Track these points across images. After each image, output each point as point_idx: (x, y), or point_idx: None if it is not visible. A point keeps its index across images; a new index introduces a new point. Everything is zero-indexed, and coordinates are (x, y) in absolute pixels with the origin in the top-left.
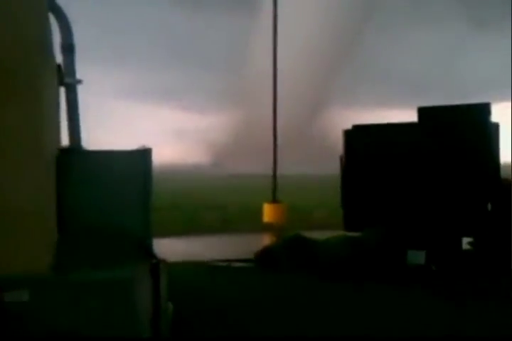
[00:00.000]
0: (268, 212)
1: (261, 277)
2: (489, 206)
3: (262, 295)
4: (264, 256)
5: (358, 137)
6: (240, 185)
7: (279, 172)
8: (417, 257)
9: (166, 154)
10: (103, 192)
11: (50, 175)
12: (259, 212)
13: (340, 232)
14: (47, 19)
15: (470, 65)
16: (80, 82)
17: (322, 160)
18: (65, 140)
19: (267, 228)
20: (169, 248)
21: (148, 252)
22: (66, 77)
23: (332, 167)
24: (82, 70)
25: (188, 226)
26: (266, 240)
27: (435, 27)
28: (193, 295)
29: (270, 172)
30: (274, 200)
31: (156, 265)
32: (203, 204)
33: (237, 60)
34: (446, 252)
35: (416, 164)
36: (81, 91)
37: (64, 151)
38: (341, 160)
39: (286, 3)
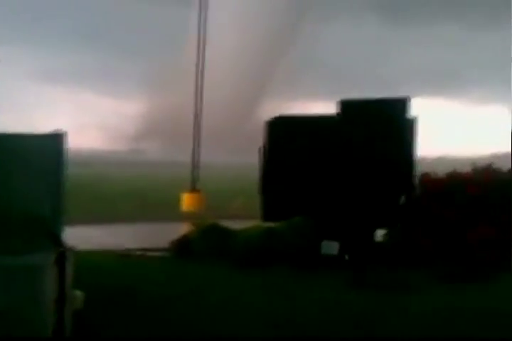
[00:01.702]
0: (186, 201)
1: (175, 265)
2: (403, 199)
3: (174, 283)
4: (181, 245)
5: (279, 128)
6: (159, 173)
7: (201, 160)
8: (331, 248)
9: (81, 139)
10: (11, 177)
11: None
12: (177, 201)
13: (257, 222)
14: None
15: (398, 59)
16: None
17: (245, 149)
18: None
19: (185, 217)
20: (84, 236)
21: (56, 240)
22: None
23: (254, 157)
24: None
25: (105, 214)
26: (183, 229)
27: (360, 21)
28: (104, 283)
29: (191, 159)
30: (193, 189)
31: (62, 253)
32: (121, 191)
33: (162, 46)
34: (359, 243)
35: (334, 156)
36: None
37: None
38: (261, 150)
39: None
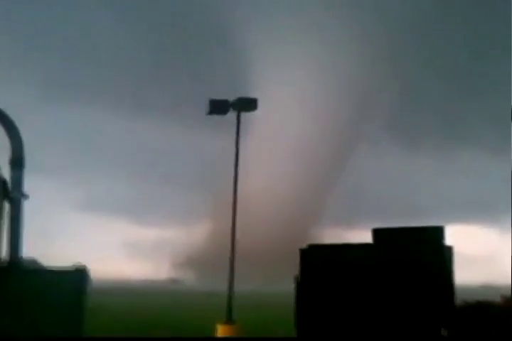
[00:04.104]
0: (222, 333)
1: None
2: (444, 330)
3: None
4: None
5: (314, 256)
6: (195, 302)
7: (237, 288)
8: None
9: (121, 268)
10: (33, 314)
11: None
12: (213, 332)
13: None
14: None
15: (428, 187)
16: (26, 196)
17: (281, 277)
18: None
19: None
20: None
21: None
22: (12, 192)
23: (290, 285)
24: (37, 182)
25: None
26: None
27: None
28: None
29: (227, 289)
30: (229, 321)
31: None
32: (155, 322)
33: (200, 176)
34: None
35: (370, 286)
36: (37, 202)
37: None
38: (296, 280)
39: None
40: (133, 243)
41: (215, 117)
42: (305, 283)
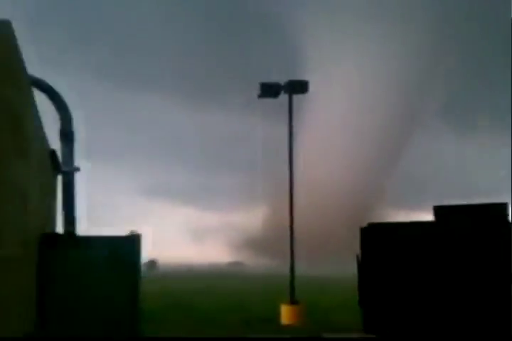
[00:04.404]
0: (286, 314)
1: None
2: None
3: None
4: None
5: (374, 235)
6: (257, 285)
7: (296, 271)
8: None
9: (184, 252)
10: (90, 279)
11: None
12: (276, 313)
13: (359, 334)
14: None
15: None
16: (77, 169)
17: (341, 257)
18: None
19: (285, 330)
20: None
21: None
22: (63, 165)
23: (352, 264)
24: (102, 169)
25: (204, 327)
26: None
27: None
28: None
29: (288, 271)
30: (292, 302)
31: None
32: (220, 304)
33: (258, 160)
34: None
35: (432, 263)
36: (104, 187)
37: (49, 237)
38: (358, 258)
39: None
40: (196, 228)
41: (267, 100)
42: (366, 261)
